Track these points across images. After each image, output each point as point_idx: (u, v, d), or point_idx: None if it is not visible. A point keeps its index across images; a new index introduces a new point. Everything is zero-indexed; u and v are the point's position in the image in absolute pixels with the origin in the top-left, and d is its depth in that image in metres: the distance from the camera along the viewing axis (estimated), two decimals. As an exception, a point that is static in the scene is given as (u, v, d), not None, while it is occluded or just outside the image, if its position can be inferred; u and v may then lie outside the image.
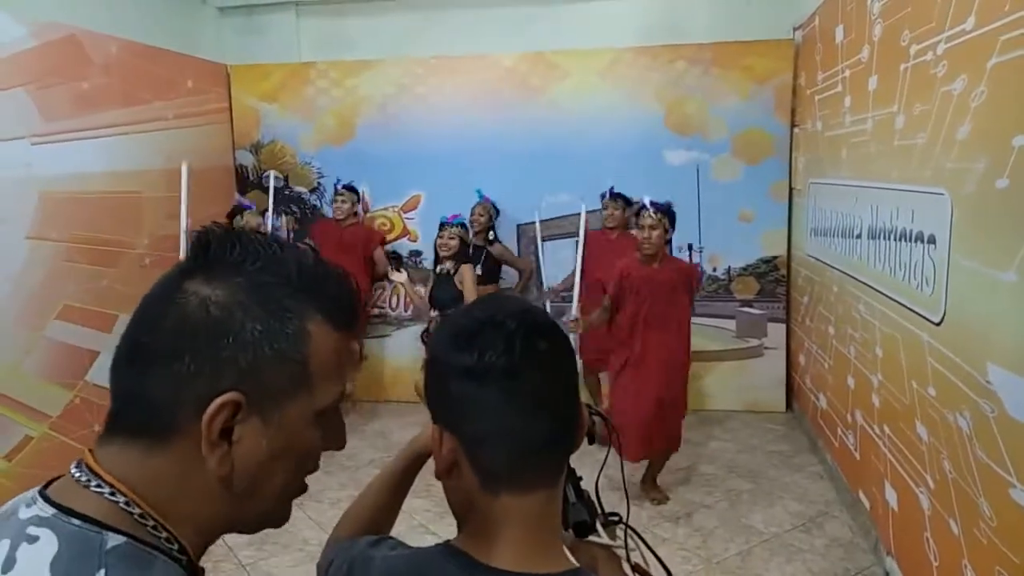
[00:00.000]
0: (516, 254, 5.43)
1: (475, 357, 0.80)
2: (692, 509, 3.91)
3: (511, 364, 0.79)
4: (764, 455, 4.65)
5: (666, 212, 3.79)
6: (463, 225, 4.58)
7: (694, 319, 5.44)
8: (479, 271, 4.71)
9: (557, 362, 0.84)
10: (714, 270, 5.45)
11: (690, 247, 5.41)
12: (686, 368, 4.03)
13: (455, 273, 4.43)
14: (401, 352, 5.72)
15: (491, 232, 5.00)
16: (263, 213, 5.82)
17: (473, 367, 0.80)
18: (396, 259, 5.56)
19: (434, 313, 4.43)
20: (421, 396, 4.52)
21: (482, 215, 4.99)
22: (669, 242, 3.89)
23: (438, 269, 4.55)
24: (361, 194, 5.72)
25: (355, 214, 5.41)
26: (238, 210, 4.28)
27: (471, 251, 4.71)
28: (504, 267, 5.28)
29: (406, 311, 5.77)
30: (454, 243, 4.43)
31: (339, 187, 5.38)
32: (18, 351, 3.88)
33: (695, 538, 3.61)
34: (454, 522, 3.20)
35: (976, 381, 2.22)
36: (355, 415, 5.49)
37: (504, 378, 0.80)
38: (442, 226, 4.55)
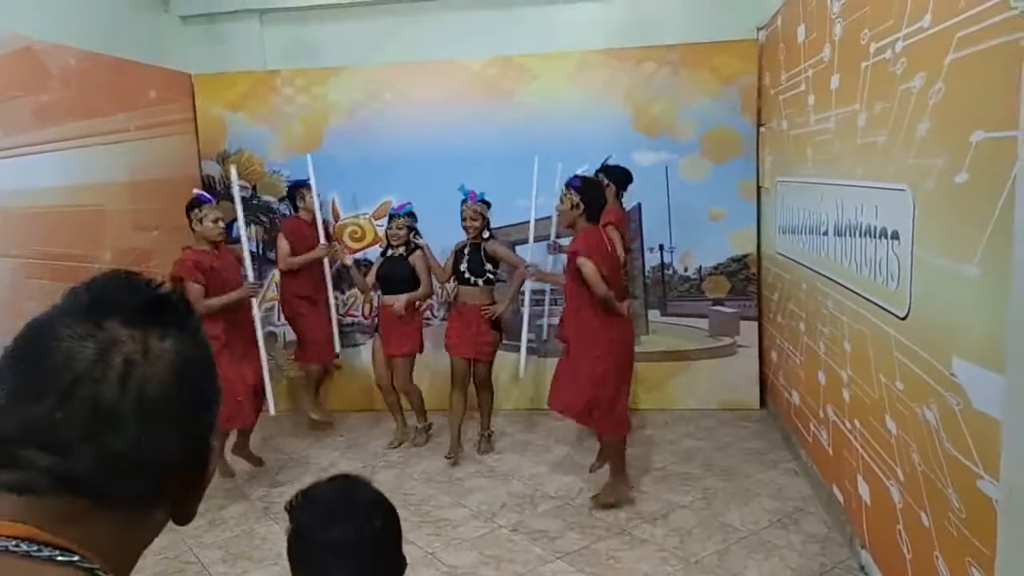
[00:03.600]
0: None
1: (332, 534, 1.33)
2: (669, 509, 3.92)
3: (360, 542, 1.33)
4: (739, 453, 4.67)
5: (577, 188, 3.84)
6: (410, 214, 4.86)
7: (667, 318, 5.54)
8: (470, 266, 4.65)
9: (389, 539, 1.39)
10: (685, 269, 5.48)
11: (661, 247, 5.44)
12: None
13: (408, 256, 4.81)
14: (375, 360, 5.66)
15: (486, 231, 4.72)
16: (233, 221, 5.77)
17: (331, 542, 1.33)
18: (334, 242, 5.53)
19: (377, 293, 4.92)
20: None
21: (475, 219, 4.63)
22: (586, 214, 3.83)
23: (388, 252, 4.87)
24: (331, 201, 5.71)
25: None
26: (197, 203, 4.14)
27: (467, 250, 4.70)
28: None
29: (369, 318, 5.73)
30: (403, 232, 4.79)
31: (307, 183, 5.23)
32: (-21, 371, 3.78)
33: (673, 538, 3.61)
34: (432, 530, 3.19)
35: (942, 375, 2.25)
36: (331, 427, 5.43)
37: (355, 550, 1.34)
38: (391, 217, 4.85)
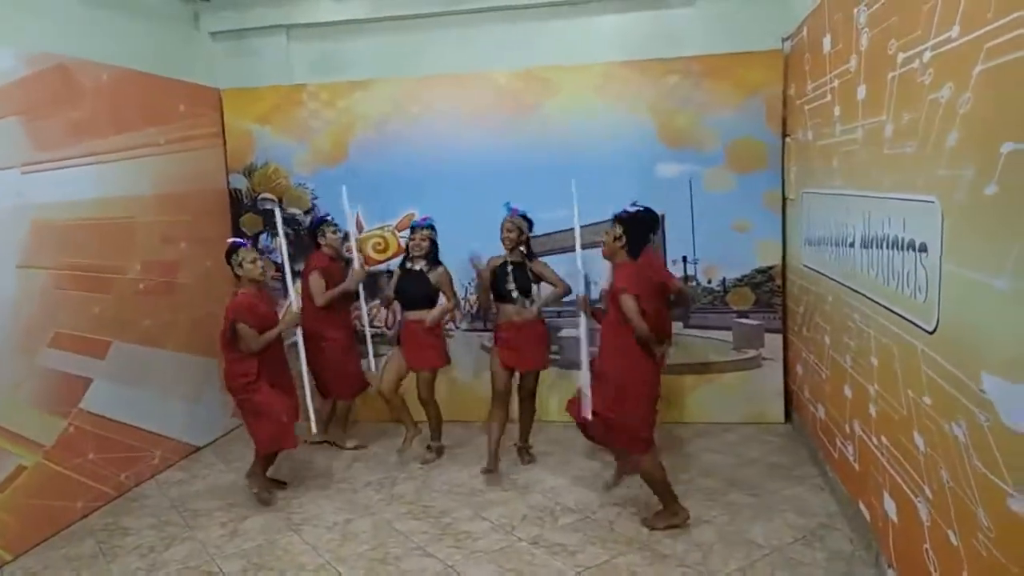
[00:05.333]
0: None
1: None
2: (691, 524, 3.86)
3: None
4: (764, 467, 4.61)
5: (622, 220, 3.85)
6: (432, 227, 4.84)
7: (690, 331, 5.49)
8: (518, 284, 4.61)
9: None
10: (709, 281, 5.44)
11: (684, 259, 5.40)
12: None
13: (429, 272, 4.76)
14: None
15: (525, 247, 4.71)
16: (257, 235, 5.84)
17: None
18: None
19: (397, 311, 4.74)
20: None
21: (511, 231, 4.62)
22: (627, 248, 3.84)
23: (407, 266, 4.80)
24: (355, 213, 5.76)
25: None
26: (233, 249, 4.29)
27: (508, 266, 4.63)
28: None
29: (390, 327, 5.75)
30: (425, 244, 4.77)
31: (329, 219, 5.23)
32: (11, 380, 3.86)
33: (695, 553, 3.56)
34: (452, 543, 3.21)
35: (971, 390, 2.20)
36: (359, 439, 5.44)
37: None
38: (413, 228, 4.83)
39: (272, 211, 5.83)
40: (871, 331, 3.26)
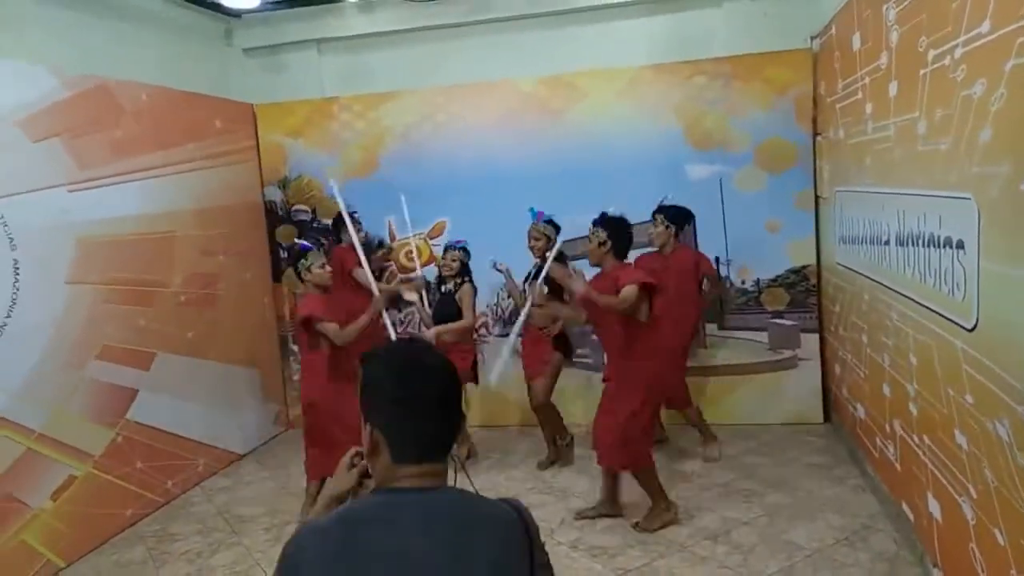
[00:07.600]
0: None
1: (404, 389, 1.31)
2: (731, 526, 3.86)
3: (427, 391, 1.32)
4: (803, 468, 4.58)
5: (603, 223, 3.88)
6: (465, 249, 4.91)
7: (724, 332, 5.47)
8: (547, 289, 4.66)
9: (452, 385, 1.35)
10: (743, 282, 5.41)
11: (717, 260, 5.38)
12: None
13: (456, 292, 4.83)
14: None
15: (549, 252, 4.64)
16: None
17: (402, 396, 1.31)
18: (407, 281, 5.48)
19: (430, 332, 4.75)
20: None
21: (538, 239, 4.68)
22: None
23: (443, 288, 4.92)
24: (387, 222, 5.83)
25: None
26: (301, 253, 4.15)
27: (532, 272, 4.74)
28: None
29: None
30: (455, 264, 4.84)
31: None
32: (61, 392, 3.99)
33: (735, 556, 3.56)
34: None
35: (1013, 388, 2.18)
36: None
37: (418, 399, 1.31)
38: (446, 249, 4.94)
39: (305, 220, 5.96)
40: (909, 329, 3.23)
